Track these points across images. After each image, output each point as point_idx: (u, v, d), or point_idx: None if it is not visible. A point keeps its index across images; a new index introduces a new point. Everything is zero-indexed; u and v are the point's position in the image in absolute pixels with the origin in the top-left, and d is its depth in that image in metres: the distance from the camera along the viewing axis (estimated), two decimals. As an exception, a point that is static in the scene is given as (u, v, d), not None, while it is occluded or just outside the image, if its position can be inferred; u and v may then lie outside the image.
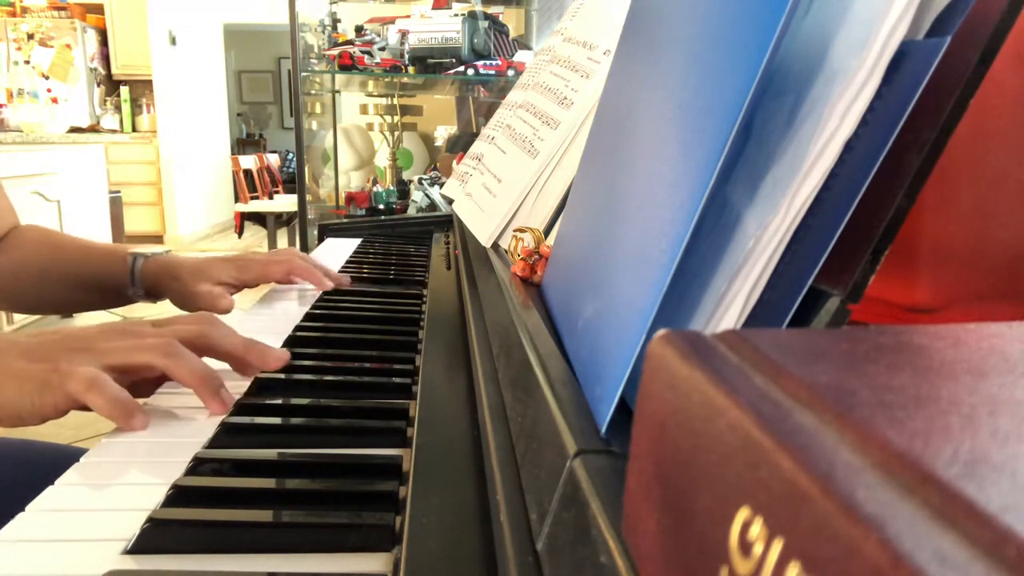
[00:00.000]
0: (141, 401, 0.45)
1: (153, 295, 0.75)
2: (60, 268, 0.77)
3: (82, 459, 0.39)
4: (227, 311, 0.71)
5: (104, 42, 5.62)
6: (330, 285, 0.76)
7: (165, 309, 0.67)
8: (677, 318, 0.26)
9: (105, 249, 0.78)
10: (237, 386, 0.48)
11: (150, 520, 0.31)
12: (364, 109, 2.80)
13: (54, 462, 0.52)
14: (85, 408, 0.42)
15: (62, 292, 0.77)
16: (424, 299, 0.72)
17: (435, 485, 0.33)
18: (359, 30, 2.39)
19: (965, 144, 0.21)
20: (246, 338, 0.49)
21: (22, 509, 0.33)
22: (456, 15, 2.13)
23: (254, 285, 0.76)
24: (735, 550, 0.11)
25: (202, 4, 5.94)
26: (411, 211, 1.99)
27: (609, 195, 0.34)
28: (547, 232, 0.55)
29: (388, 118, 2.75)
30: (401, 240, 1.15)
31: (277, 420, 0.43)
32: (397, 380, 0.49)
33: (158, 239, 5.61)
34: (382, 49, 2.24)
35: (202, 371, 0.45)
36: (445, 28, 2.11)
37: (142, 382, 0.47)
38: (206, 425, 0.43)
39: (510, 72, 2.13)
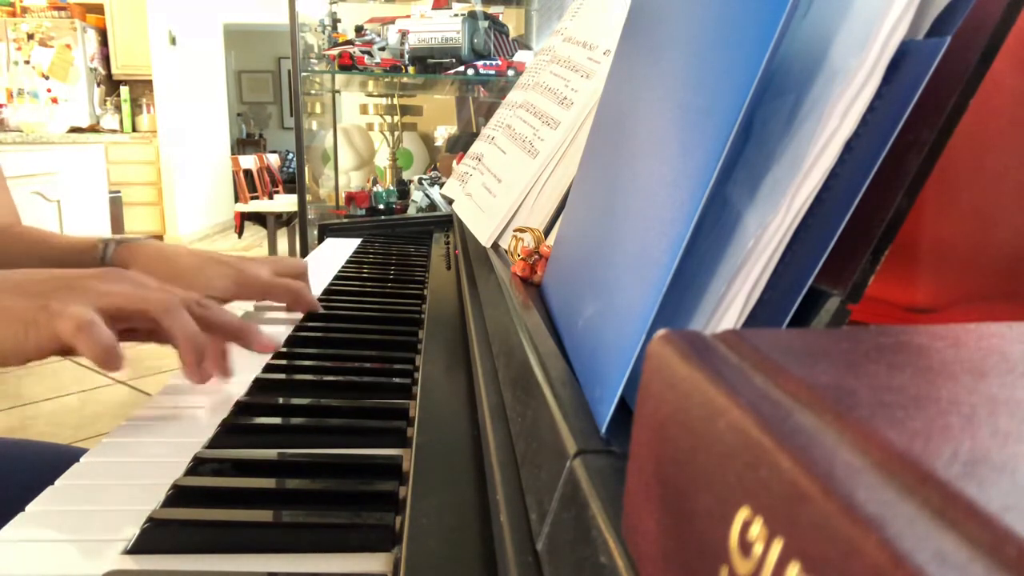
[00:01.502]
0: (140, 398, 0.44)
1: None
2: (28, 265, 0.71)
3: (82, 459, 0.39)
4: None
5: (104, 42, 5.62)
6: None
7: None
8: (677, 318, 0.26)
9: (73, 241, 0.69)
10: (236, 390, 0.48)
11: (150, 520, 0.31)
12: (364, 109, 2.80)
13: (54, 462, 0.52)
14: (70, 352, 0.40)
15: None
16: (424, 299, 0.72)
17: (435, 485, 0.33)
18: (359, 30, 2.39)
19: (965, 144, 0.21)
20: (242, 320, 0.49)
21: (22, 509, 0.33)
22: (456, 15, 2.13)
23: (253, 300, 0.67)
24: (735, 550, 0.11)
25: (202, 4, 5.95)
26: (411, 211, 1.99)
27: (609, 195, 0.34)
28: (547, 232, 0.55)
29: (388, 118, 2.75)
30: (401, 240, 1.15)
31: (277, 420, 0.43)
32: (397, 380, 0.49)
33: (158, 239, 5.59)
34: (382, 49, 2.24)
35: (194, 335, 0.43)
36: (445, 28, 2.11)
37: (129, 331, 0.45)
38: (206, 425, 0.43)
39: (510, 72, 2.13)
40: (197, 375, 0.44)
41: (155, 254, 0.63)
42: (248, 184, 4.42)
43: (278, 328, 0.64)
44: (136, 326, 0.44)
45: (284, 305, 0.66)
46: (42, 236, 0.74)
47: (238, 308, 0.72)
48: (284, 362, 0.52)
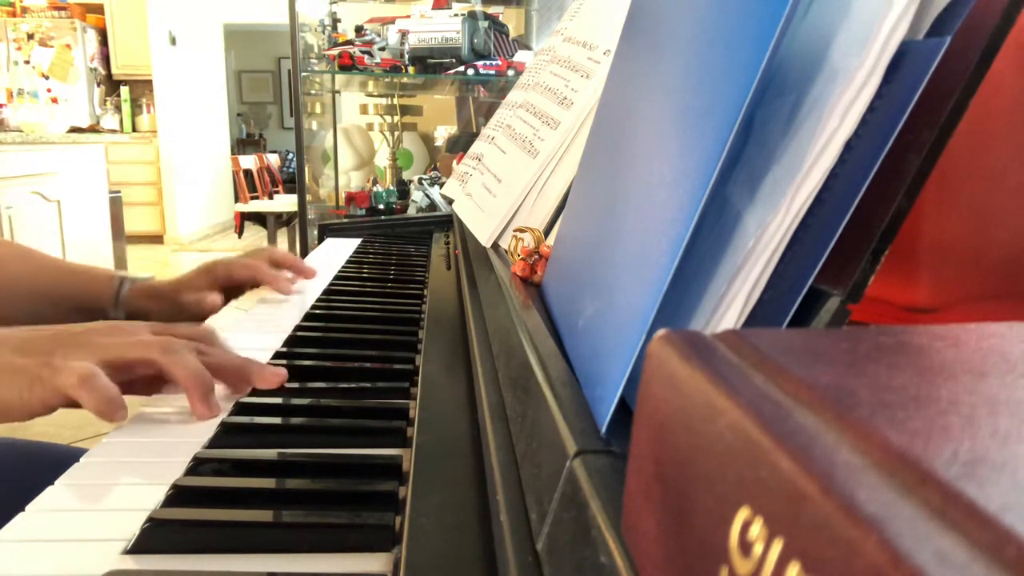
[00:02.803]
0: (138, 399, 0.44)
1: (133, 319, 0.72)
2: (37, 284, 0.74)
3: (82, 459, 0.39)
4: (214, 308, 0.71)
5: (104, 42, 5.62)
6: (290, 289, 0.76)
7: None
8: (677, 318, 0.26)
9: (87, 269, 0.77)
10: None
11: (150, 520, 0.31)
12: (364, 109, 2.80)
13: (54, 462, 0.52)
14: (74, 405, 0.41)
15: (38, 311, 0.73)
16: (424, 299, 0.72)
17: (435, 485, 0.33)
18: (359, 30, 2.39)
19: (965, 144, 0.21)
20: (244, 357, 0.49)
21: (22, 509, 0.33)
22: (456, 15, 2.13)
23: (225, 286, 0.75)
24: (735, 550, 0.11)
25: (202, 4, 5.94)
26: (411, 211, 1.99)
27: (609, 195, 0.34)
28: (547, 232, 0.55)
29: (388, 118, 2.75)
30: (401, 240, 1.15)
31: (277, 420, 0.43)
32: (397, 380, 0.49)
33: (158, 239, 5.61)
34: (382, 49, 2.24)
35: (198, 372, 0.44)
36: (445, 28, 2.11)
37: (137, 380, 0.46)
38: (206, 425, 0.43)
39: (510, 72, 2.13)
40: (205, 410, 0.44)
41: (155, 285, 0.75)
42: (248, 184, 4.42)
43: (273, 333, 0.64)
44: (141, 374, 0.45)
45: (281, 298, 0.73)
46: (45, 256, 0.78)
47: (241, 307, 0.72)
48: (284, 362, 0.52)
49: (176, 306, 0.72)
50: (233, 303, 0.74)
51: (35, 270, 0.75)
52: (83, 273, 0.75)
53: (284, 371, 0.48)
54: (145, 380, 0.46)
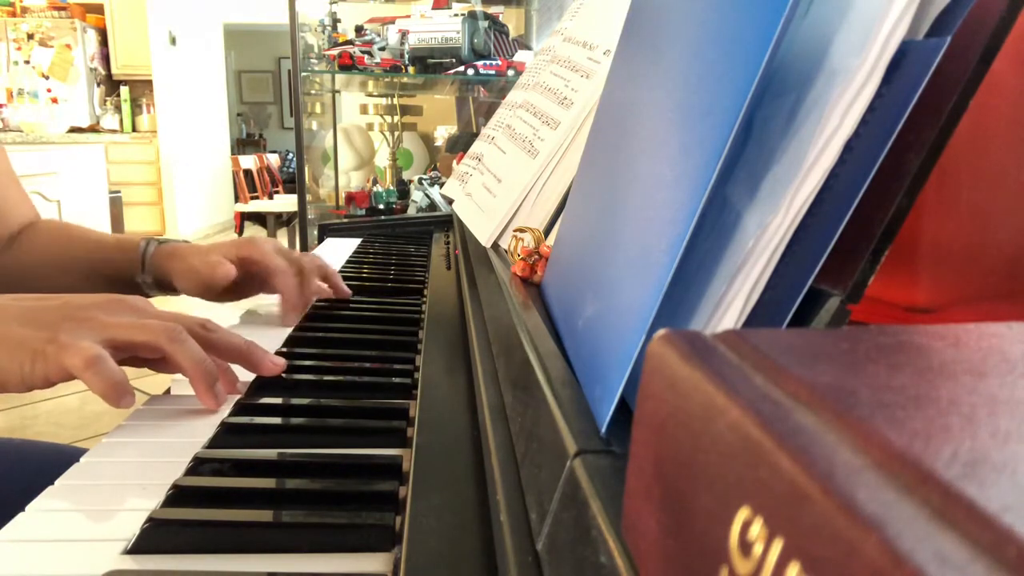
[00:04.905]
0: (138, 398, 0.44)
1: (163, 285, 0.71)
2: (69, 258, 0.74)
3: (82, 459, 0.39)
4: (226, 277, 0.64)
5: (104, 42, 5.63)
6: (294, 322, 0.65)
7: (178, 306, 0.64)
8: (677, 318, 0.26)
9: (118, 238, 0.74)
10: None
11: (150, 520, 0.31)
12: (364, 109, 2.80)
13: (54, 462, 0.52)
14: (70, 378, 0.41)
15: (72, 284, 0.73)
16: (424, 299, 0.72)
17: (435, 485, 0.33)
18: (359, 30, 2.39)
19: (965, 144, 0.21)
20: (247, 339, 0.49)
21: (22, 509, 0.33)
22: (456, 15, 2.13)
23: (252, 267, 0.66)
24: (735, 550, 0.11)
25: (202, 4, 5.95)
26: (411, 211, 1.99)
27: (609, 195, 0.34)
28: (547, 232, 0.55)
29: (388, 118, 2.75)
30: (401, 240, 1.15)
31: (277, 420, 0.43)
32: (397, 380, 0.49)
33: (158, 239, 5.61)
34: (382, 49, 2.24)
35: (203, 361, 0.44)
36: (445, 28, 2.11)
37: (136, 359, 0.46)
38: (206, 425, 0.43)
39: (510, 72, 2.14)
40: (212, 400, 0.44)
41: (185, 246, 0.70)
42: (248, 184, 4.42)
43: (277, 331, 0.64)
44: (145, 355, 0.45)
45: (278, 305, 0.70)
46: (84, 230, 0.77)
47: (240, 308, 0.72)
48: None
49: (190, 272, 0.67)
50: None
51: (67, 245, 0.75)
52: (114, 241, 0.73)
53: (284, 361, 0.49)
54: (147, 361, 0.46)
